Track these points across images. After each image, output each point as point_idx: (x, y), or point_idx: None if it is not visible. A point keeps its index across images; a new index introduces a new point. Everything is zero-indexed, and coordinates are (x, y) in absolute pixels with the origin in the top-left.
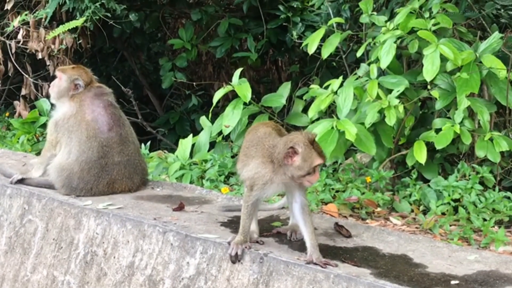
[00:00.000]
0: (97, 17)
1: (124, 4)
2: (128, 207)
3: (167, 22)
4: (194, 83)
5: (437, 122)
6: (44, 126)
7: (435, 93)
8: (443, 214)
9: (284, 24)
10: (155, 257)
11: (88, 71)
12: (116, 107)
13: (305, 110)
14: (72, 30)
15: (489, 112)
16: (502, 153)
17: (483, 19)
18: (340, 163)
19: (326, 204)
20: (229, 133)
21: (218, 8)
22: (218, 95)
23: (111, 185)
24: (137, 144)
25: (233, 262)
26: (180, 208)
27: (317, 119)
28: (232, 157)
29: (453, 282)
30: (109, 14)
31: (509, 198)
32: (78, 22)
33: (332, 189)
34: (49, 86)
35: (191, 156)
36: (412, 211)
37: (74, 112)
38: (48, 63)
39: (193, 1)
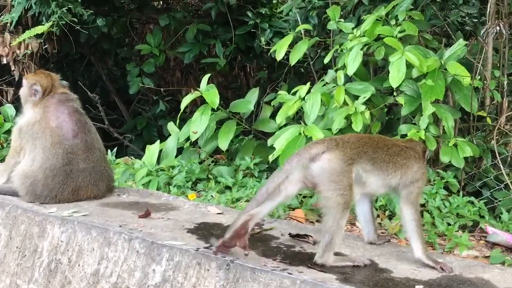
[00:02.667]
0: (64, 22)
1: (91, 9)
2: (93, 214)
3: (135, 27)
4: (162, 89)
5: (402, 128)
6: (8, 132)
7: (400, 99)
8: None
9: (252, 30)
10: (121, 264)
11: (51, 76)
12: (81, 113)
13: (273, 116)
14: (38, 35)
15: (454, 118)
16: (466, 158)
17: (448, 27)
18: None
19: (293, 209)
20: (197, 139)
21: (186, 13)
22: (185, 101)
23: (76, 192)
24: (103, 151)
25: None
26: (146, 215)
27: (285, 125)
28: (200, 163)
29: (417, 286)
30: (75, 19)
31: (473, 203)
32: (44, 28)
33: (300, 194)
34: (13, 92)
35: (158, 162)
36: (378, 216)
37: (38, 118)
38: (13, 68)
39: (161, 7)
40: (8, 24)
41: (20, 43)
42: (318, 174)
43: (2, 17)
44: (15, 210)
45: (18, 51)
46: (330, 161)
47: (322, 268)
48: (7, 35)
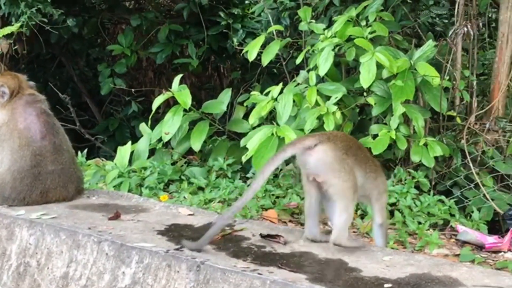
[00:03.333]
0: (34, 23)
1: (62, 9)
2: (62, 216)
3: (106, 27)
4: (134, 90)
5: (374, 128)
6: None
7: (371, 99)
8: None
9: (225, 30)
10: (90, 267)
11: (18, 77)
12: (49, 115)
13: (246, 116)
14: (8, 36)
15: (424, 118)
16: (436, 158)
17: (419, 28)
18: (281, 169)
19: (266, 210)
20: (170, 140)
21: (158, 14)
22: (157, 102)
23: (45, 194)
24: (72, 152)
25: None
26: (116, 217)
27: (258, 126)
28: (173, 164)
29: (386, 285)
30: (45, 20)
31: (443, 202)
32: (13, 28)
33: (273, 195)
34: None
35: (130, 163)
36: None
37: (6, 120)
38: None
39: (132, 7)
40: None
41: None
42: (316, 166)
43: None
44: None
45: None
46: (326, 151)
47: (338, 245)
48: None
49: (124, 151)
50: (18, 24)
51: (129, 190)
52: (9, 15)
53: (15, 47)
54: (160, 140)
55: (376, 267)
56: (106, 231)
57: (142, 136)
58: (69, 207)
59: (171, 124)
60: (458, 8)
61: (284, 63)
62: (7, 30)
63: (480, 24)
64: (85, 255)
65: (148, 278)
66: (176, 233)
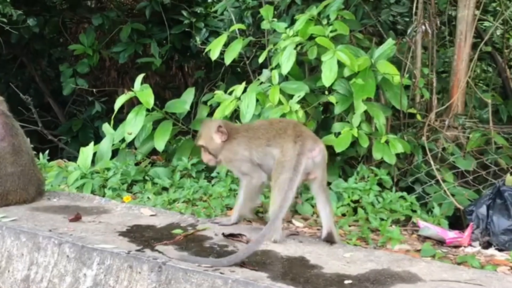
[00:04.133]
0: None
1: (22, 9)
2: (22, 219)
3: (68, 27)
4: (96, 90)
5: (336, 126)
6: None
7: (332, 98)
8: (344, 215)
9: (188, 29)
10: (51, 269)
11: None
12: (8, 116)
13: (211, 115)
14: None
15: (385, 116)
16: (398, 155)
17: (380, 26)
18: None
19: (231, 209)
20: (133, 140)
21: (120, 13)
22: (119, 101)
23: (5, 196)
24: (32, 154)
25: None
26: (77, 218)
27: None
28: (136, 164)
29: (346, 281)
30: (5, 20)
31: (405, 198)
32: None
33: (236, 194)
34: None
35: (93, 164)
36: (314, 213)
37: None
38: None
39: (94, 6)
40: None
41: None
42: (321, 163)
43: None
44: None
45: None
46: (323, 150)
47: None
48: None
49: (86, 152)
50: None
51: (92, 192)
52: None
53: None
54: (123, 140)
55: (337, 264)
56: (67, 233)
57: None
58: (30, 209)
59: (134, 124)
60: (417, 6)
61: (247, 62)
62: None
63: (438, 22)
64: (46, 258)
65: (110, 280)
66: (138, 234)
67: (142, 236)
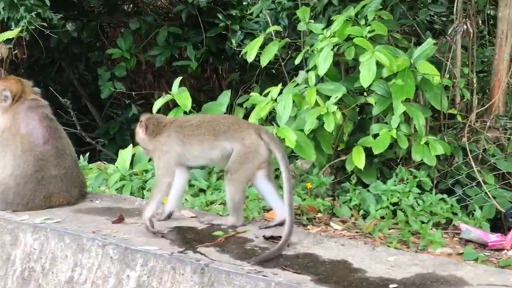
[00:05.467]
0: (33, 27)
1: (61, 14)
2: (66, 220)
3: (105, 31)
4: (134, 93)
5: (374, 127)
6: None
7: (371, 99)
8: (382, 218)
9: (223, 32)
10: (95, 271)
11: (22, 82)
12: (52, 120)
13: (246, 117)
14: (8, 41)
15: (424, 117)
16: (438, 156)
17: (417, 26)
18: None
19: (268, 211)
20: None
21: (157, 17)
22: (157, 104)
23: (49, 199)
24: (75, 157)
25: None
26: (120, 220)
27: None
28: None
29: (391, 286)
30: (45, 24)
31: (445, 200)
32: (13, 33)
33: None
34: None
35: (132, 166)
36: (352, 215)
37: (8, 125)
38: None
39: (131, 10)
40: None
41: None
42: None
43: None
44: None
45: None
46: None
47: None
48: None
49: (125, 154)
50: (18, 29)
51: (131, 193)
52: (8, 19)
53: (15, 52)
54: None
55: (380, 267)
56: (110, 235)
57: None
58: (73, 211)
59: None
60: (457, 6)
61: (283, 64)
62: (7, 35)
63: (480, 21)
64: (89, 259)
65: (153, 281)
66: (180, 235)
67: (184, 238)
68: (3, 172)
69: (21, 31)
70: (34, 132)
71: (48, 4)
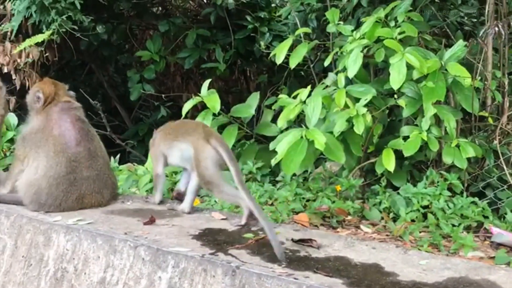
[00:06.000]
0: (64, 30)
1: (91, 16)
2: (98, 222)
3: (135, 33)
4: (163, 95)
5: (404, 129)
6: (11, 141)
7: (402, 102)
8: (413, 221)
9: (251, 34)
10: (127, 272)
11: (56, 84)
12: (84, 122)
13: (274, 119)
14: (39, 43)
15: (455, 119)
16: (469, 159)
17: (447, 27)
18: (310, 172)
19: (297, 213)
20: None
21: (186, 19)
22: (187, 107)
23: (81, 200)
24: (106, 159)
25: None
26: (151, 221)
27: (286, 129)
28: None
29: None
30: (76, 27)
31: (476, 203)
32: (45, 35)
33: (303, 198)
34: (15, 100)
35: None
36: (382, 218)
37: (41, 126)
38: (14, 77)
39: (160, 13)
40: (9, 33)
41: (20, 51)
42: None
43: (2, 26)
44: (20, 219)
45: (19, 60)
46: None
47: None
48: (7, 44)
49: None
50: (49, 32)
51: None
52: (39, 22)
53: (46, 54)
54: None
55: (412, 271)
56: (142, 236)
57: None
58: (105, 212)
59: None
60: (488, 7)
61: (311, 66)
62: (39, 38)
63: (511, 22)
64: (121, 260)
65: (185, 283)
66: (211, 237)
67: (215, 240)
68: (36, 173)
69: (52, 34)
70: (66, 134)
71: (79, 7)
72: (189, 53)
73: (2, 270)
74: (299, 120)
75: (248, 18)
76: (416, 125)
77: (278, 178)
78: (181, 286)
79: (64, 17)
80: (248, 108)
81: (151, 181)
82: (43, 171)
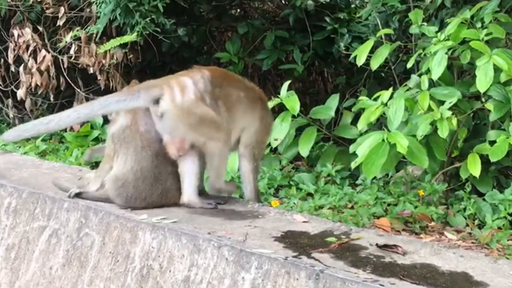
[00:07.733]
0: (147, 32)
1: (173, 19)
2: (182, 221)
3: (214, 35)
4: None
5: (491, 134)
6: (96, 139)
7: (489, 105)
8: (499, 228)
9: (330, 35)
10: (210, 271)
11: None
12: None
13: (353, 121)
14: (122, 45)
15: None
16: None
17: None
18: (391, 176)
19: (378, 218)
20: (277, 146)
21: (264, 21)
22: None
23: (165, 195)
24: None
25: None
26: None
27: (366, 131)
28: (281, 169)
29: None
30: (158, 29)
31: None
32: (130, 37)
33: (384, 202)
34: None
35: None
36: (467, 225)
37: (129, 123)
38: (99, 77)
39: (239, 15)
40: (94, 35)
41: (105, 53)
42: None
43: (88, 28)
44: (108, 216)
45: (103, 61)
46: None
47: None
48: (93, 46)
49: (233, 157)
50: (135, 34)
51: (240, 196)
52: (123, 25)
53: (130, 56)
54: (268, 145)
55: (503, 282)
56: (225, 236)
57: None
58: (188, 211)
59: (280, 130)
60: None
61: (392, 67)
62: (124, 39)
63: None
64: (205, 260)
65: (268, 285)
66: (293, 240)
67: (297, 243)
68: (124, 167)
69: (137, 36)
70: (152, 130)
71: (162, 10)
72: (267, 54)
73: (90, 265)
74: (379, 123)
75: (327, 19)
76: (503, 129)
77: (357, 182)
78: (265, 287)
79: (147, 19)
80: (327, 109)
81: (230, 181)
82: (130, 165)
